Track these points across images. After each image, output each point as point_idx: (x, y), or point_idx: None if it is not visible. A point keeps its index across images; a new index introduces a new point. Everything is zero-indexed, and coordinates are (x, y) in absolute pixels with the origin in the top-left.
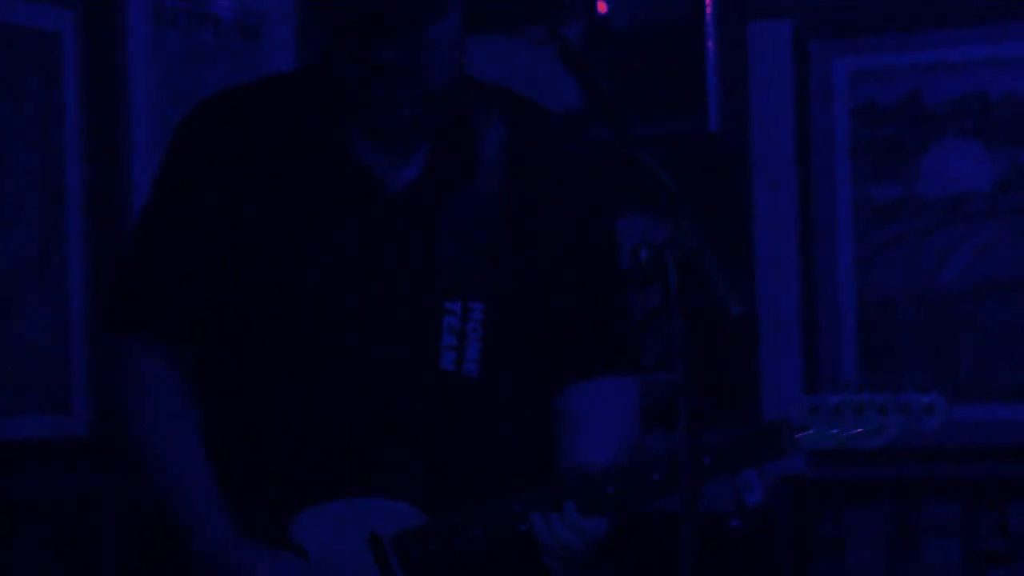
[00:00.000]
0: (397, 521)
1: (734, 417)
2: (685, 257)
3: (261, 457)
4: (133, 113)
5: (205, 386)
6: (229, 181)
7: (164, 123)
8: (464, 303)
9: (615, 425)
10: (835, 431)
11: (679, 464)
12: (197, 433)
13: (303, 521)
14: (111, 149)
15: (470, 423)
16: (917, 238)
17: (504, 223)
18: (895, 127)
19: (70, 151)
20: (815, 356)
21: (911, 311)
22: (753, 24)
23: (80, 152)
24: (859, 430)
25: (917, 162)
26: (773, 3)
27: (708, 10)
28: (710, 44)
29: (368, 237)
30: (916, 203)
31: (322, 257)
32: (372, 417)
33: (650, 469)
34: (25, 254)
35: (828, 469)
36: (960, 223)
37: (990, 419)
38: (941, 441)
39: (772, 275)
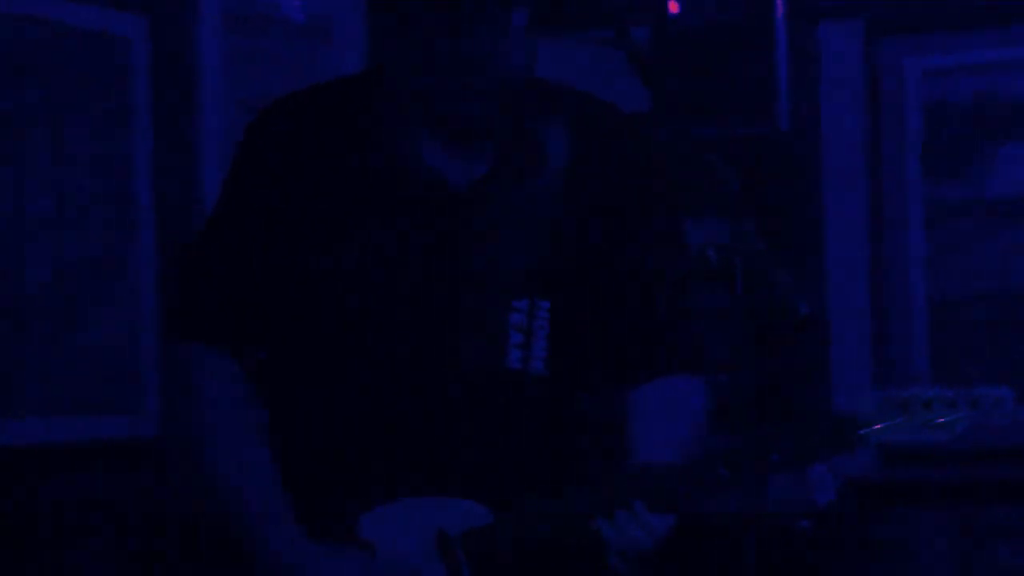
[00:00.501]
0: (464, 519)
1: (803, 419)
2: (752, 258)
3: (328, 457)
4: (203, 117)
5: (270, 388)
6: (296, 184)
7: (234, 127)
8: (531, 301)
9: (681, 425)
10: (903, 424)
11: (745, 460)
12: (262, 438)
13: (371, 520)
14: (181, 153)
15: (537, 421)
16: (988, 237)
17: (569, 220)
18: (967, 126)
19: (141, 156)
20: (885, 356)
21: (981, 311)
22: (824, 24)
23: (150, 157)
24: (928, 424)
25: (989, 161)
26: (844, 2)
27: (779, 10)
28: (781, 44)
29: (434, 236)
30: (987, 202)
31: (388, 258)
32: (440, 415)
33: (716, 465)
34: (96, 257)
35: (895, 471)
36: None
37: None
38: (1009, 442)
39: (843, 275)
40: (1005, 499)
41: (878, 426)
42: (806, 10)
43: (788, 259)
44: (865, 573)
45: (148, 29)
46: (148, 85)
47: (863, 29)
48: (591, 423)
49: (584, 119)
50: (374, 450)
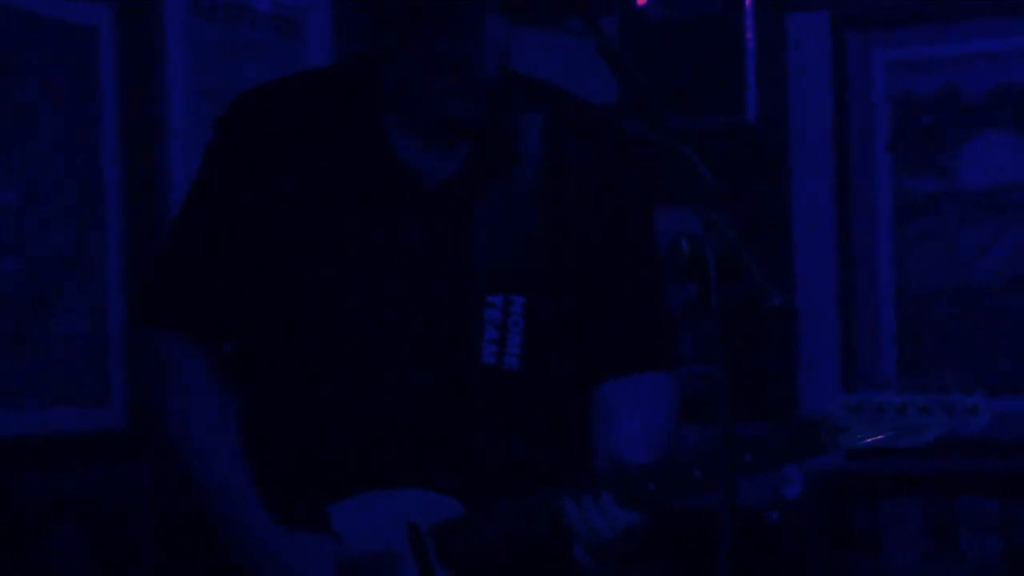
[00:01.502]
0: (435, 512)
1: (772, 410)
2: (724, 249)
3: (300, 448)
4: (170, 107)
5: (243, 378)
6: (268, 175)
7: (201, 117)
8: (505, 296)
9: (653, 421)
10: (877, 430)
11: (718, 460)
12: (234, 427)
13: (342, 511)
14: (148, 143)
15: (510, 416)
16: (955, 230)
17: (543, 216)
18: (933, 118)
19: (107, 145)
20: (853, 349)
21: (949, 304)
22: (791, 15)
23: (117, 146)
24: (901, 430)
25: (955, 154)
26: None
27: (747, 1)
28: (749, 36)
29: (408, 231)
30: (954, 195)
31: (361, 252)
32: (412, 409)
33: (691, 466)
34: (62, 248)
35: (864, 463)
36: (998, 215)
37: None
38: (976, 437)
39: (810, 267)
40: (970, 490)
41: (851, 430)
42: (774, 2)
43: (758, 251)
44: (832, 564)
45: (114, 17)
46: (114, 74)
47: (830, 21)
48: (565, 417)
49: (558, 114)
50: (345, 441)
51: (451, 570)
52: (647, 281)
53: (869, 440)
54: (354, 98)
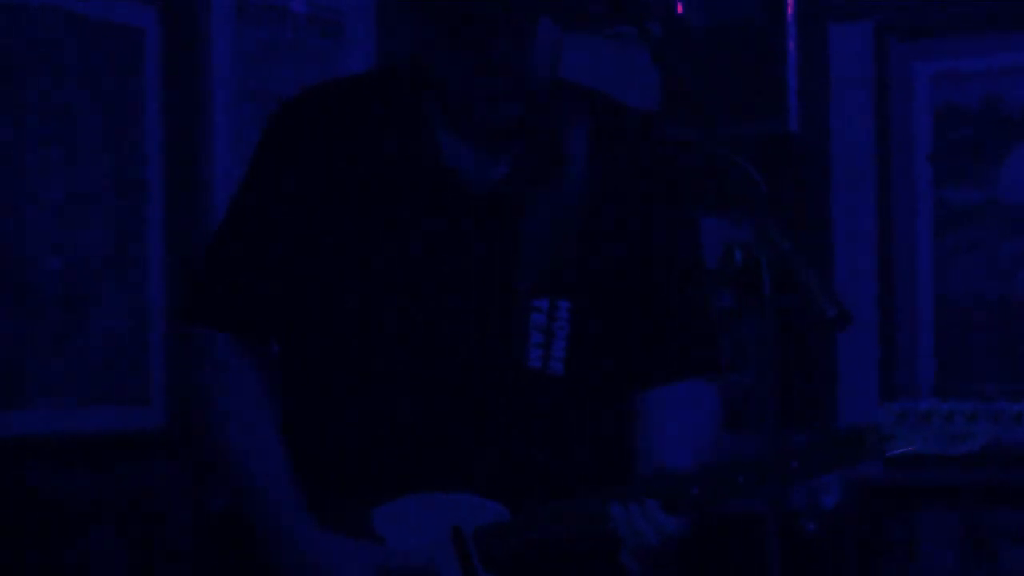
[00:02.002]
0: (479, 516)
1: (811, 419)
2: (778, 259)
3: (345, 451)
4: (214, 109)
5: (289, 378)
6: (316, 179)
7: (244, 119)
8: (551, 301)
9: (696, 428)
10: (923, 438)
11: (767, 467)
12: (276, 428)
13: (386, 514)
14: (191, 144)
15: (555, 421)
16: (995, 243)
17: (589, 222)
18: (975, 130)
19: (150, 146)
20: (892, 359)
21: (988, 315)
22: (834, 26)
23: (160, 147)
24: (947, 438)
25: (996, 166)
26: (854, 5)
27: (789, 11)
28: (791, 45)
29: (455, 235)
30: (994, 207)
31: (407, 255)
32: (458, 413)
33: (735, 472)
34: (105, 247)
35: (901, 474)
36: None
37: None
38: (1014, 447)
39: (850, 277)
40: (1010, 503)
41: (897, 438)
42: (817, 12)
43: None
44: (870, 575)
45: (159, 19)
46: (159, 75)
47: (872, 32)
48: (609, 423)
49: (604, 121)
50: (391, 444)
51: (495, 574)
52: (690, 288)
53: (916, 448)
54: (401, 102)
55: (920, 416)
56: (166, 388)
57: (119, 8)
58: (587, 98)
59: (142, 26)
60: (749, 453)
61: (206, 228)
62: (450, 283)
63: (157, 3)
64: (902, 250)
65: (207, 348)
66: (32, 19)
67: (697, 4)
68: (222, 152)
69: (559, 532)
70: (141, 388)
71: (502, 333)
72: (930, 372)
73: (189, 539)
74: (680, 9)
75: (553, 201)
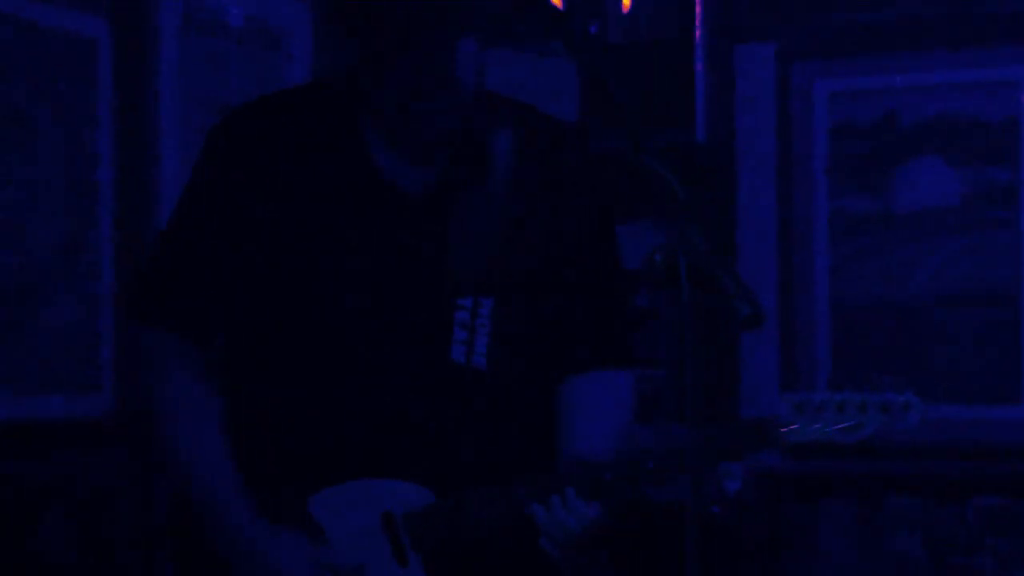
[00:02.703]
0: (408, 502)
1: (715, 411)
2: (696, 261)
3: (282, 442)
4: (161, 114)
5: (228, 376)
6: (255, 186)
7: (190, 124)
8: (475, 299)
9: (611, 416)
10: (818, 427)
11: (687, 455)
12: (218, 422)
13: (321, 501)
14: (140, 147)
15: (478, 412)
16: (888, 249)
17: (512, 224)
18: (870, 145)
19: (102, 148)
20: (791, 356)
21: (881, 317)
22: (739, 46)
23: (112, 151)
24: (841, 426)
25: (890, 178)
26: (759, 26)
27: (698, 32)
28: (699, 64)
29: (386, 238)
30: (888, 216)
31: (341, 258)
32: (387, 405)
33: (646, 458)
34: (58, 245)
35: (801, 463)
36: (928, 236)
37: (953, 419)
38: (905, 440)
39: (752, 280)
40: (903, 492)
41: (795, 427)
42: (723, 33)
43: (728, 263)
44: (770, 559)
45: (111, 30)
46: (111, 82)
47: (775, 53)
48: (530, 413)
49: (528, 130)
50: (325, 435)
51: (422, 555)
52: (607, 286)
53: (812, 436)
54: (337, 113)
55: (815, 407)
56: (115, 375)
57: (74, 19)
58: (512, 109)
59: (95, 36)
60: (660, 442)
61: (153, 226)
62: (384, 283)
63: (108, 15)
64: (801, 256)
65: (151, 347)
66: None
67: (615, 24)
68: (169, 155)
69: (483, 517)
70: (92, 376)
71: (428, 329)
72: (827, 369)
73: (139, 522)
74: (593, 29)
75: (479, 204)
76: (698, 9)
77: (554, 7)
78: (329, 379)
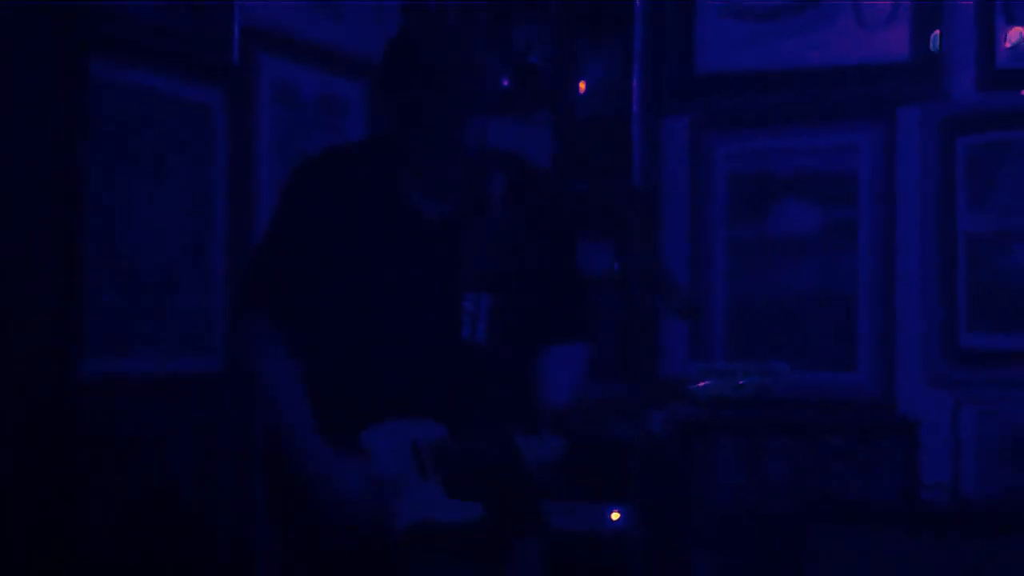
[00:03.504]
0: (429, 435)
1: (641, 375)
2: (646, 271)
3: (341, 395)
4: (259, 162)
5: (306, 348)
6: (324, 212)
7: (278, 170)
8: (477, 294)
9: (572, 376)
10: (717, 386)
11: (626, 404)
12: (299, 380)
13: (368, 434)
14: (243, 183)
15: (479, 373)
16: (766, 264)
17: (505, 242)
18: (754, 191)
19: (217, 183)
20: (698, 337)
21: (761, 310)
22: (664, 120)
23: (224, 185)
24: (732, 386)
25: (767, 214)
26: (677, 106)
27: (635, 109)
28: (636, 132)
29: (416, 251)
30: (765, 241)
31: (384, 265)
32: (416, 368)
33: (599, 407)
34: (187, 250)
35: (703, 411)
36: (794, 256)
37: (810, 381)
38: (777, 395)
39: None
40: (775, 432)
41: (703, 385)
42: (653, 110)
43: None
44: (681, 479)
45: (223, 99)
46: (225, 135)
47: (689, 124)
48: (516, 373)
49: (516, 175)
50: (371, 389)
51: (440, 474)
52: (568, 286)
53: (712, 392)
54: (382, 163)
55: (716, 372)
56: (225, 343)
57: (196, 90)
58: (505, 159)
59: (212, 103)
60: (606, 394)
61: (252, 240)
62: (415, 284)
63: (223, 88)
64: (705, 267)
65: (253, 326)
66: (134, 96)
67: (582, 102)
68: (265, 190)
69: (482, 447)
70: (209, 343)
71: (445, 315)
72: (723, 345)
73: (241, 449)
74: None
75: (481, 228)
76: (635, 95)
77: (538, 92)
78: (375, 350)
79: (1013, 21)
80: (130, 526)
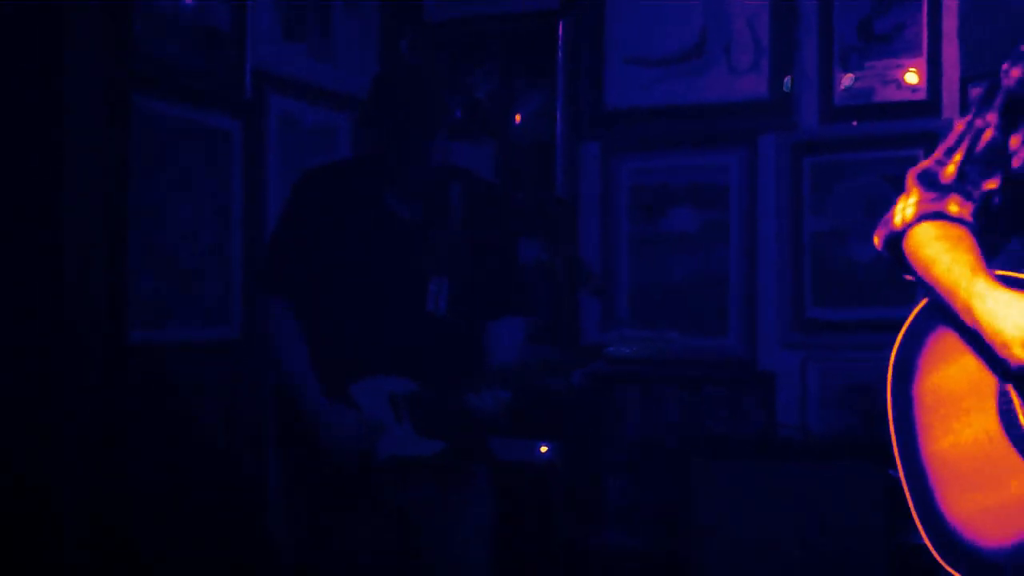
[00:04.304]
0: (403, 388)
1: (565, 341)
2: (568, 261)
3: (336, 357)
4: (268, 177)
5: (308, 320)
6: (320, 215)
7: (284, 183)
8: (439, 278)
9: (515, 341)
10: (625, 350)
11: (556, 364)
12: (303, 344)
13: (357, 388)
14: (256, 192)
15: (441, 339)
16: (662, 254)
17: (461, 237)
18: (651, 199)
19: (235, 195)
20: (609, 311)
21: (656, 291)
22: (582, 144)
23: (241, 195)
24: (635, 348)
25: (661, 216)
26: (592, 133)
27: (559, 134)
28: (559, 154)
29: (392, 244)
30: (660, 237)
31: (368, 255)
32: (392, 335)
33: (535, 366)
34: (212, 247)
35: (614, 367)
36: (681, 248)
37: (694, 345)
38: (669, 356)
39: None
40: (668, 384)
41: (613, 348)
42: (573, 137)
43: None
44: (594, 421)
45: (242, 127)
46: (241, 155)
47: (600, 148)
48: (470, 340)
49: (470, 186)
50: (358, 352)
51: (411, 419)
52: (512, 270)
53: (625, 353)
54: (365, 175)
55: (624, 339)
56: (242, 317)
57: (220, 119)
58: (462, 172)
59: (232, 129)
60: (539, 355)
61: (263, 239)
62: (391, 269)
63: (240, 118)
64: (613, 258)
65: (268, 305)
66: (170, 124)
67: (517, 130)
68: (273, 200)
69: (446, 399)
70: (228, 318)
71: (414, 294)
72: (627, 318)
73: (256, 403)
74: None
75: (443, 227)
76: (559, 125)
77: (484, 123)
78: (361, 322)
79: (847, 69)
80: (167, 459)
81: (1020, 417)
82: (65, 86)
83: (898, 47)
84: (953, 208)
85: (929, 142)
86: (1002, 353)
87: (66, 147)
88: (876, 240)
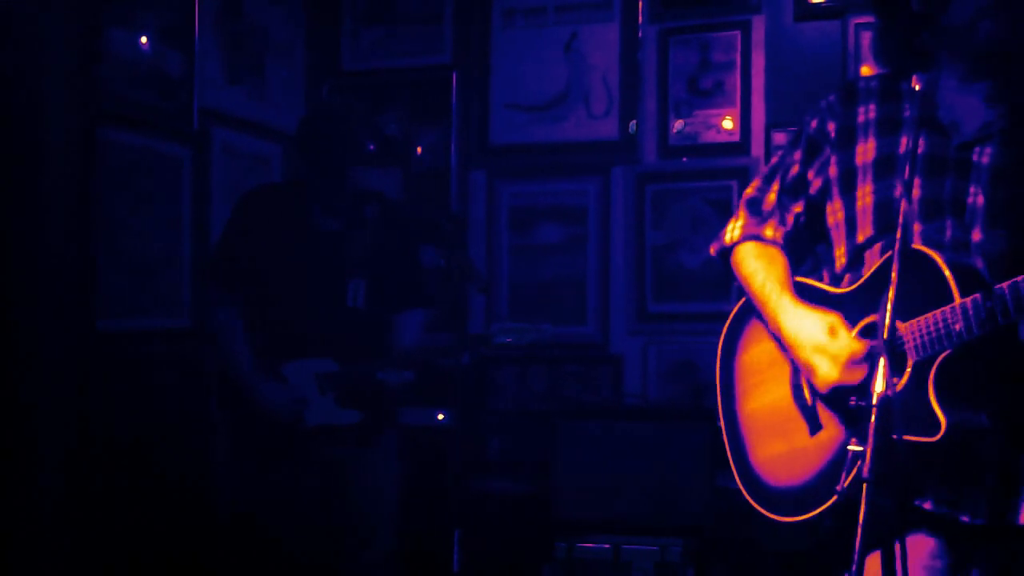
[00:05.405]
0: (327, 368)
1: (457, 329)
2: (461, 264)
3: (270, 341)
4: (213, 196)
5: (247, 311)
6: (258, 227)
7: (226, 201)
8: (357, 280)
9: (416, 330)
10: (507, 338)
11: (451, 348)
12: (244, 334)
13: (288, 368)
14: (202, 212)
15: (358, 328)
16: (534, 260)
17: (376, 246)
18: (524, 217)
19: (185, 211)
20: (492, 306)
21: (530, 289)
22: (471, 172)
23: (190, 211)
24: (515, 337)
25: (533, 229)
26: (479, 163)
27: (453, 163)
28: (453, 180)
29: (317, 252)
30: (533, 248)
31: (296, 260)
32: (317, 324)
33: (437, 349)
34: (164, 252)
35: (500, 351)
36: (550, 256)
37: (562, 332)
38: (544, 343)
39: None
40: (539, 364)
41: (497, 337)
42: (464, 165)
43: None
44: (482, 393)
45: (191, 154)
46: (190, 179)
47: (486, 175)
48: (382, 329)
49: (381, 205)
50: (289, 338)
51: (333, 393)
52: (415, 272)
53: (506, 340)
54: (294, 195)
55: (505, 330)
56: (191, 309)
57: (171, 147)
58: (374, 195)
59: (183, 156)
60: (437, 342)
61: (209, 246)
62: (317, 271)
63: (190, 146)
64: (496, 263)
65: (212, 300)
66: (129, 152)
67: (419, 160)
68: (216, 214)
69: (362, 378)
70: (179, 310)
71: (336, 292)
72: (507, 312)
73: (201, 379)
74: (412, 163)
75: (360, 238)
76: (452, 156)
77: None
78: (292, 313)
79: (678, 116)
80: (129, 422)
81: (804, 391)
82: (45, 119)
83: (718, 100)
84: (768, 232)
85: (741, 175)
86: (793, 354)
87: (44, 170)
88: (712, 250)
